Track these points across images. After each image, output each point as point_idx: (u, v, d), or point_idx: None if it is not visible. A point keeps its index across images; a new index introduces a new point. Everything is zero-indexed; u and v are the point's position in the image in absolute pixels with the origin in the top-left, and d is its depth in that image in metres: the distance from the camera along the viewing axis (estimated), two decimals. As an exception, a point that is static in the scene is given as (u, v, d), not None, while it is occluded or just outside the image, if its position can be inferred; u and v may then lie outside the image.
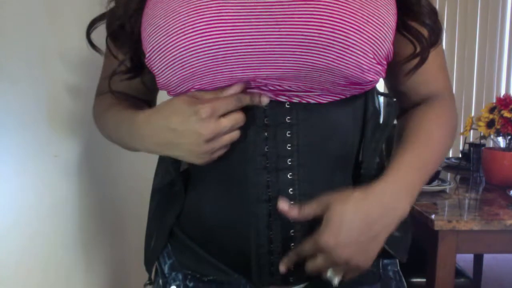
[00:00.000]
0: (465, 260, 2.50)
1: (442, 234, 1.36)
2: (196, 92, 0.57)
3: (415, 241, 1.75)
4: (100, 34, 0.69)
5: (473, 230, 1.35)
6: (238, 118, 0.57)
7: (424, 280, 1.59)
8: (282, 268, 0.62)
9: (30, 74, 0.85)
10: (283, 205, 0.59)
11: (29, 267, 0.85)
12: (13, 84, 0.82)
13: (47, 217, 0.89)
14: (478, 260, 2.49)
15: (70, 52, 0.94)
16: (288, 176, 0.61)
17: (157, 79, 0.58)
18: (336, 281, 0.60)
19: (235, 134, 0.58)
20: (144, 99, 0.77)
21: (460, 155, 2.22)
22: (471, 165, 2.00)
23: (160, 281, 0.69)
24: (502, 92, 3.53)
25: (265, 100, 0.58)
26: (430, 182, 1.69)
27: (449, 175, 2.01)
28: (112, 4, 0.64)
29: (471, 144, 2.03)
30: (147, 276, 0.74)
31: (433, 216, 1.36)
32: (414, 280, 1.67)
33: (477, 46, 3.50)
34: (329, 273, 0.60)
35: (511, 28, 3.50)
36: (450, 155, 3.31)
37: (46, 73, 0.89)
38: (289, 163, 0.60)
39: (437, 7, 3.20)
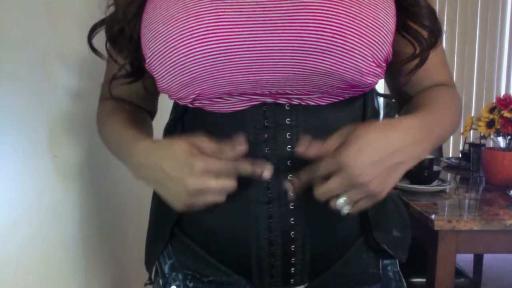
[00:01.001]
0: (465, 260, 2.50)
1: (442, 234, 1.36)
2: (201, 140, 0.55)
3: (415, 241, 1.75)
4: (100, 39, 0.68)
5: (473, 230, 1.35)
6: (228, 185, 0.55)
7: (424, 280, 1.59)
8: (289, 185, 0.58)
9: (31, 74, 0.85)
10: (301, 148, 0.55)
11: (29, 267, 0.85)
12: (14, 85, 0.82)
13: (47, 217, 0.89)
14: (478, 260, 2.48)
15: (70, 53, 0.94)
16: (289, 177, 0.60)
17: (157, 83, 0.58)
18: (345, 209, 0.56)
19: (220, 198, 0.56)
20: (144, 105, 0.77)
21: (460, 155, 2.22)
22: (471, 165, 2.00)
23: (160, 281, 0.69)
24: (502, 92, 3.53)
25: (267, 175, 0.56)
26: (430, 182, 1.69)
27: (449, 175, 2.01)
28: (111, 9, 0.64)
29: (471, 144, 2.03)
30: (147, 276, 0.74)
31: (433, 216, 1.36)
32: (414, 280, 1.67)
33: (477, 46, 3.50)
34: (340, 200, 0.55)
35: (511, 28, 3.50)
36: (450, 155, 3.31)
37: (46, 74, 0.89)
38: (289, 164, 0.60)
39: (437, 7, 3.17)
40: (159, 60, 0.55)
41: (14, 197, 0.82)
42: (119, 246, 1.13)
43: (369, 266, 0.68)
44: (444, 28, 3.51)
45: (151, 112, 0.80)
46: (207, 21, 0.52)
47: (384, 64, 0.57)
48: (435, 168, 1.72)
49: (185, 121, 0.66)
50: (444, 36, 3.46)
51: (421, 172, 1.69)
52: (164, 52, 0.54)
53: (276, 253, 0.62)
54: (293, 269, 0.63)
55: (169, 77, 0.55)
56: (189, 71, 0.54)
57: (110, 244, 1.09)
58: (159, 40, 0.54)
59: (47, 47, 0.88)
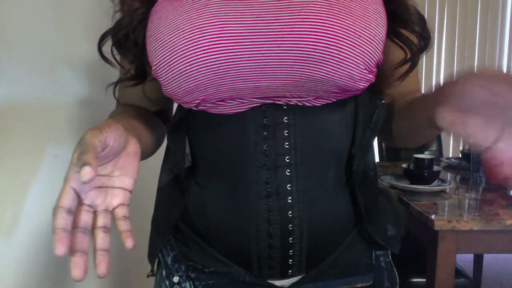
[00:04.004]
0: (465, 260, 2.51)
1: (442, 234, 1.36)
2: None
3: (415, 241, 1.75)
4: (107, 44, 0.69)
5: (473, 230, 1.35)
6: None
7: (424, 280, 1.59)
8: None
9: (39, 77, 0.86)
10: None
11: (29, 267, 0.85)
12: (16, 85, 0.83)
13: (47, 217, 0.89)
14: (478, 260, 2.49)
15: (77, 58, 0.95)
16: (286, 172, 0.63)
17: (163, 89, 0.60)
18: None
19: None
20: (159, 113, 0.77)
21: (460, 155, 2.22)
22: (471, 165, 2.00)
23: (164, 272, 0.71)
24: (502, 92, 3.52)
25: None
26: (430, 182, 1.69)
27: (449, 175, 2.01)
28: (118, 15, 0.66)
29: (471, 144, 2.02)
30: (148, 269, 0.74)
31: (433, 216, 1.36)
32: (414, 280, 1.67)
33: (477, 46, 3.51)
34: None
35: (511, 28, 3.51)
36: (450, 155, 3.31)
37: (53, 77, 0.89)
38: (287, 160, 0.63)
39: (437, 7, 3.18)
40: (165, 68, 0.57)
41: (14, 197, 0.82)
42: (119, 242, 1.13)
43: (362, 256, 0.71)
44: (444, 28, 3.53)
45: (164, 117, 0.79)
46: (211, 33, 0.54)
47: (375, 69, 0.60)
48: (435, 168, 1.73)
49: (189, 121, 0.68)
50: (444, 36, 3.47)
51: (421, 172, 1.69)
52: (170, 61, 0.56)
53: (275, 245, 0.64)
54: (291, 260, 0.66)
55: (174, 84, 0.58)
56: (194, 79, 0.56)
57: (111, 239, 1.09)
58: (165, 49, 0.56)
59: (55, 52, 0.89)
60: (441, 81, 0.54)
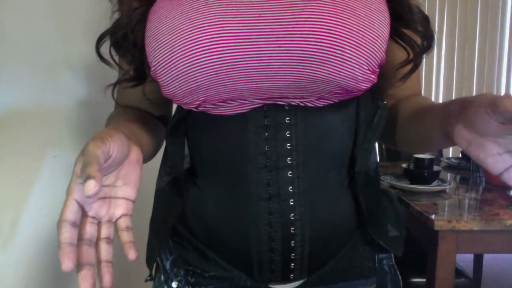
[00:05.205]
0: (465, 260, 2.51)
1: (442, 234, 1.36)
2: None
3: (415, 241, 1.75)
4: (105, 45, 0.69)
5: (473, 230, 1.35)
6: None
7: (424, 280, 1.59)
8: None
9: (34, 77, 0.86)
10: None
11: (29, 267, 0.85)
12: (15, 86, 0.83)
13: (47, 217, 0.89)
14: (478, 260, 2.49)
15: (76, 59, 0.94)
16: (288, 174, 0.62)
17: (163, 89, 0.59)
18: None
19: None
20: (156, 112, 0.76)
21: (460, 155, 2.22)
22: (471, 165, 2.00)
23: (162, 277, 0.70)
24: (502, 92, 3.53)
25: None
26: (430, 182, 1.69)
27: (449, 175, 2.01)
28: (116, 15, 0.65)
29: (471, 144, 2.02)
30: (147, 273, 0.74)
31: (433, 216, 1.36)
32: (414, 280, 1.67)
33: (477, 46, 3.51)
34: None
35: (511, 28, 3.51)
36: (450, 155, 3.31)
37: (53, 78, 0.89)
38: (289, 161, 0.62)
39: (437, 7, 3.18)
40: (164, 69, 0.56)
41: (14, 197, 0.82)
42: (119, 243, 1.13)
43: (365, 260, 0.70)
44: (444, 28, 3.53)
45: (163, 119, 0.78)
46: (211, 33, 0.54)
47: (377, 70, 0.59)
48: (435, 168, 1.73)
49: (188, 122, 0.67)
50: (444, 36, 3.47)
51: (421, 172, 1.69)
52: (169, 62, 0.55)
53: (276, 249, 0.63)
54: (292, 264, 0.65)
55: (174, 85, 0.57)
56: (194, 80, 0.56)
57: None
58: (164, 50, 0.56)
59: (54, 53, 0.89)
60: (460, 96, 0.53)
